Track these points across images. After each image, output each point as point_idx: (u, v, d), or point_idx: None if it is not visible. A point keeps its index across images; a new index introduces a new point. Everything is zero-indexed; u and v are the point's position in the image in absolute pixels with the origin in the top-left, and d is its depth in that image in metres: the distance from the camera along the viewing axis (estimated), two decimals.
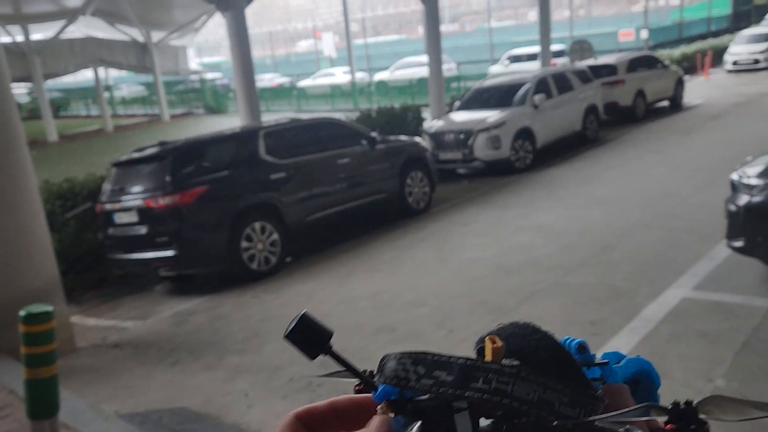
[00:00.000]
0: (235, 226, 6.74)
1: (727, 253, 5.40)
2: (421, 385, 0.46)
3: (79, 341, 5.86)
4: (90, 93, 34.33)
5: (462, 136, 10.59)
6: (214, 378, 4.70)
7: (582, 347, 0.61)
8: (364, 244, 7.73)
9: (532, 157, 10.85)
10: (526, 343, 0.52)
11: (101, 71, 29.07)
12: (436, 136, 10.87)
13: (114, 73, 36.29)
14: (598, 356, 0.66)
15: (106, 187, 7.04)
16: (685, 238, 6.30)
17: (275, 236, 7.06)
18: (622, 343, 4.25)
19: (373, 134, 8.46)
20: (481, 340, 0.52)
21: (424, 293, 5.74)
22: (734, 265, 5.33)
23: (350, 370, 0.52)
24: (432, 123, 11.76)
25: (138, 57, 26.70)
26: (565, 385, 0.46)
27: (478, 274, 6.05)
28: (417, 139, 9.86)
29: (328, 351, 0.51)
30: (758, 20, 30.70)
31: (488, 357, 0.51)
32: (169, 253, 6.47)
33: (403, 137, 9.45)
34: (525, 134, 10.77)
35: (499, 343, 0.50)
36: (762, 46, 21.43)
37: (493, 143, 10.42)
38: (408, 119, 11.97)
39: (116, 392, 4.73)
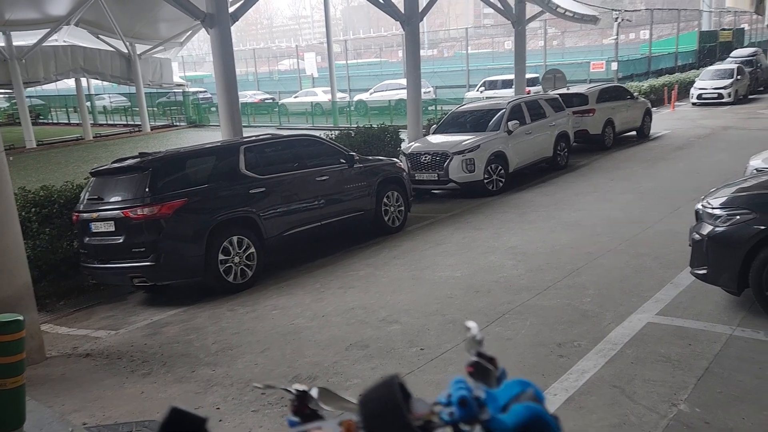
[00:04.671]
0: (213, 239, 6.75)
1: (690, 280, 5.53)
2: None
3: (50, 350, 5.78)
4: (71, 101, 33.94)
5: (438, 158, 10.79)
6: (186, 390, 4.66)
7: (464, 401, 0.65)
8: (339, 261, 7.78)
9: (505, 180, 11.07)
10: (381, 424, 0.60)
11: (83, 80, 28.78)
12: (413, 157, 11.04)
13: (96, 83, 35.90)
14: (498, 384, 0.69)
15: (84, 196, 7.00)
16: (650, 264, 6.43)
17: (252, 250, 7.09)
18: (589, 365, 4.32)
19: (352, 153, 8.55)
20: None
21: (397, 310, 5.79)
22: (697, 292, 5.44)
23: None
24: (409, 144, 11.96)
25: (121, 68, 26.56)
26: None
27: (450, 293, 6.12)
28: (394, 159, 10.02)
29: None
30: (723, 57, 31.63)
31: None
32: (146, 263, 6.45)
33: (381, 157, 9.60)
34: (498, 158, 11.00)
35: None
36: (726, 81, 22.17)
37: (468, 166, 10.64)
38: (386, 139, 12.10)
39: (85, 403, 4.66)
